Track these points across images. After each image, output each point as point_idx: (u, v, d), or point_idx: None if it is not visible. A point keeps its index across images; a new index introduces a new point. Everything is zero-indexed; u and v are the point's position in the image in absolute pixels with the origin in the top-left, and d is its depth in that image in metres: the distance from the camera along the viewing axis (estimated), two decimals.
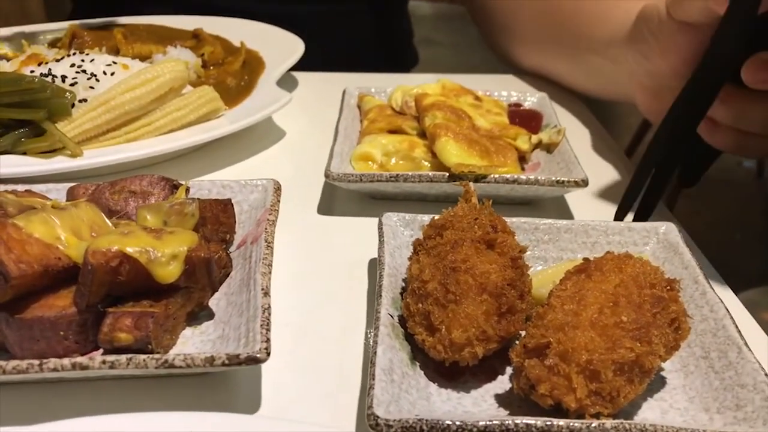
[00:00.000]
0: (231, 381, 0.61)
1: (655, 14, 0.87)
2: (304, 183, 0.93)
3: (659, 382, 0.58)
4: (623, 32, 0.97)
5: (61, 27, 1.28)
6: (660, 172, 0.81)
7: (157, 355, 0.54)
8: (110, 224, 0.64)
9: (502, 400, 0.57)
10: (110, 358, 0.54)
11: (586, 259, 0.60)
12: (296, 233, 0.82)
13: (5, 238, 0.55)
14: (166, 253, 0.59)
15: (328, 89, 1.22)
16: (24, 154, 0.86)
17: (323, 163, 0.99)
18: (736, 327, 0.59)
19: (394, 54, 1.80)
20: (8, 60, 1.05)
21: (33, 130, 0.87)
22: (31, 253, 0.56)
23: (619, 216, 0.82)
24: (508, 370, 0.60)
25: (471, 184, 0.71)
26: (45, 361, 0.53)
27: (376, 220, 0.83)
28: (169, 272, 0.58)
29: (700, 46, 0.77)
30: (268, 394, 0.60)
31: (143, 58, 1.12)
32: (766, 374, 0.54)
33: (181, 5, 1.37)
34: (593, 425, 0.49)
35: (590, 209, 0.89)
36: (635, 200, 0.81)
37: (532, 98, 1.06)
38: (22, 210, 0.65)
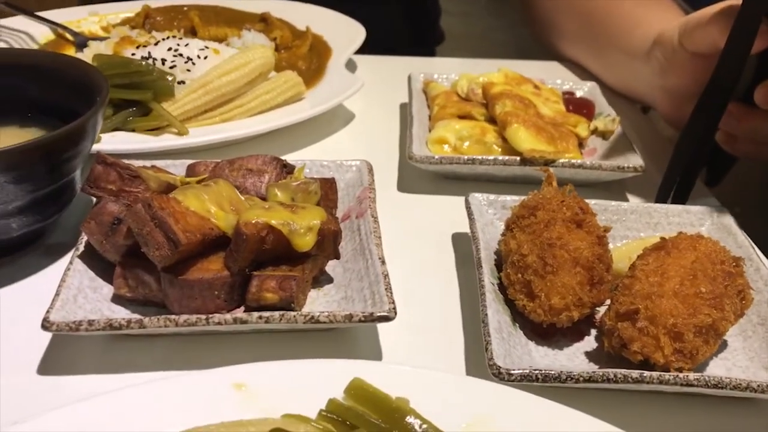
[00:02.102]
0: (351, 337, 0.70)
1: (669, 42, 0.99)
2: (378, 163, 1.02)
3: (722, 345, 0.68)
4: (645, 48, 1.07)
5: (128, 8, 1.36)
6: (688, 170, 0.89)
7: (304, 312, 0.64)
8: (242, 199, 0.73)
9: (590, 356, 0.67)
10: (265, 313, 0.63)
11: (663, 238, 0.69)
12: (382, 209, 0.91)
13: (171, 211, 0.64)
14: (303, 225, 0.68)
15: (383, 71, 1.31)
16: (132, 131, 0.95)
17: (391, 144, 1.09)
18: None
19: (423, 32, 1.88)
20: (101, 40, 1.13)
21: (140, 109, 0.95)
22: (192, 223, 0.65)
23: (660, 196, 0.91)
24: (593, 332, 0.70)
25: (550, 169, 0.80)
26: (211, 316, 0.63)
27: (450, 197, 0.93)
28: (305, 242, 0.68)
29: (707, 71, 0.87)
30: (386, 348, 0.69)
31: (219, 41, 1.20)
32: None
33: None
34: (680, 377, 0.59)
35: (640, 192, 0.98)
36: (670, 191, 0.90)
37: (583, 87, 1.15)
38: (161, 185, 0.74)
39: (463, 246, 0.85)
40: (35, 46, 1.24)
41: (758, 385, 0.58)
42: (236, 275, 0.67)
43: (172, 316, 0.62)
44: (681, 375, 0.59)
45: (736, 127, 0.90)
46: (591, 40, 1.28)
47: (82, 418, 0.52)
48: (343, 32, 1.29)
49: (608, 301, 0.68)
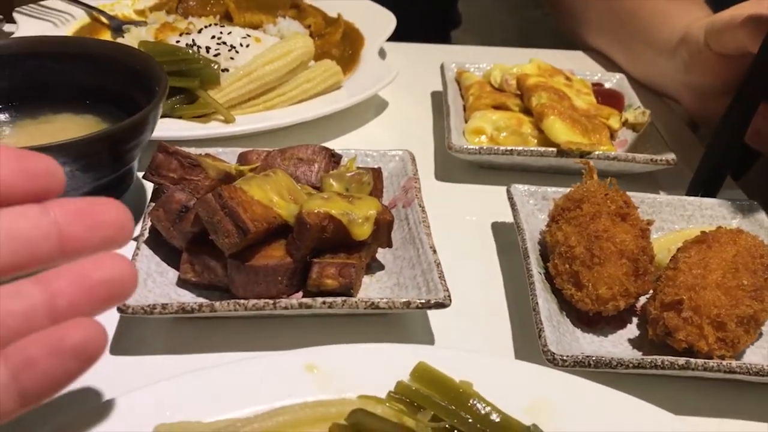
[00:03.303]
0: (405, 322, 0.74)
1: (695, 42, 1.01)
2: (414, 151, 1.05)
3: (759, 333, 0.72)
4: (671, 44, 1.10)
5: None
6: (719, 167, 0.92)
7: (365, 298, 0.67)
8: (299, 188, 0.76)
9: (634, 343, 0.71)
10: (329, 299, 0.66)
11: (703, 232, 0.72)
12: (423, 198, 0.94)
13: (239, 201, 0.67)
14: (360, 215, 0.71)
15: (413, 59, 1.33)
16: (179, 117, 0.97)
17: (425, 132, 1.12)
18: None
19: (443, 15, 1.90)
20: (137, 25, 1.15)
21: (187, 96, 0.98)
22: (258, 212, 0.68)
23: (692, 190, 0.94)
24: (634, 320, 0.73)
25: (591, 162, 0.83)
26: (278, 300, 0.66)
27: (488, 187, 0.97)
28: (363, 231, 0.71)
29: (734, 71, 0.90)
30: (437, 333, 0.73)
31: (254, 27, 1.22)
32: None
33: None
34: (723, 364, 0.62)
35: (670, 183, 1.02)
36: (702, 185, 0.93)
37: (612, 79, 1.18)
38: (219, 173, 0.77)
39: (504, 235, 0.88)
40: (72, 29, 1.25)
41: None
42: (298, 262, 0.70)
43: (242, 301, 0.66)
44: (724, 362, 0.63)
45: (763, 124, 0.93)
46: (617, 33, 1.31)
47: (168, 397, 0.56)
48: (374, 20, 1.31)
49: (651, 291, 0.72)
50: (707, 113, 1.07)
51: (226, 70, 1.02)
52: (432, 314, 0.75)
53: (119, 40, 1.15)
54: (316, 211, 0.69)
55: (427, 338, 0.72)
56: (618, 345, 0.70)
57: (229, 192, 0.67)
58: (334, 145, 1.06)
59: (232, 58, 1.03)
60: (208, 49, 1.03)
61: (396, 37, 1.31)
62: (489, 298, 0.78)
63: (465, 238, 0.88)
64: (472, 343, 0.72)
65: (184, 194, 0.71)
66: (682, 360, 0.62)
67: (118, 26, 1.25)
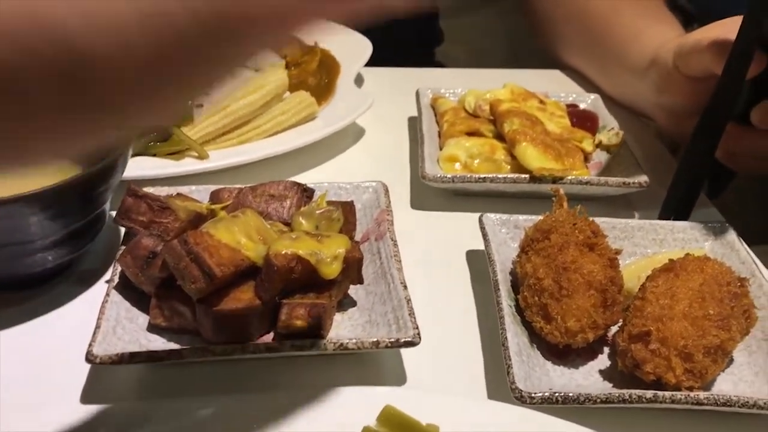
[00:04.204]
0: (377, 359, 0.74)
1: (664, 64, 1.02)
2: (390, 180, 1.05)
3: (729, 360, 0.72)
4: (642, 65, 1.11)
5: None
6: (690, 189, 0.92)
7: (333, 339, 0.67)
8: (269, 227, 0.76)
9: (604, 374, 0.71)
10: (297, 341, 0.67)
11: (671, 260, 0.73)
12: (397, 227, 0.94)
13: (206, 246, 0.68)
14: (329, 254, 0.71)
15: (389, 84, 1.34)
16: (153, 155, 0.98)
17: (401, 161, 1.12)
18: None
19: (422, 33, 1.91)
20: None
21: (160, 134, 0.98)
22: (225, 256, 0.69)
23: (663, 213, 0.94)
24: (605, 350, 0.74)
25: (561, 189, 0.83)
26: (246, 345, 0.66)
27: (462, 214, 0.97)
28: (332, 270, 0.71)
29: (703, 92, 0.90)
30: (409, 369, 0.73)
31: None
32: None
33: None
34: (690, 396, 0.62)
35: (645, 204, 1.02)
36: (674, 208, 0.93)
37: (587, 99, 1.18)
38: (189, 215, 0.77)
39: (477, 263, 0.88)
40: None
41: (764, 402, 0.62)
42: (267, 303, 0.70)
43: (210, 347, 0.66)
44: (692, 394, 0.63)
45: (735, 145, 0.94)
46: (592, 52, 1.32)
47: None
48: (350, 47, 1.31)
49: (620, 321, 0.72)
50: (682, 132, 1.08)
51: (201, 105, 1.02)
52: (405, 351, 0.75)
53: None
54: (283, 252, 0.69)
55: (400, 377, 0.72)
56: (589, 377, 0.70)
57: (194, 237, 0.67)
58: (311, 176, 1.06)
59: (206, 93, 1.03)
60: None
61: (379, 58, 1.32)
62: (463, 332, 0.78)
63: (440, 268, 0.88)
64: (445, 381, 0.72)
65: (152, 240, 0.72)
66: (649, 393, 0.63)
67: None
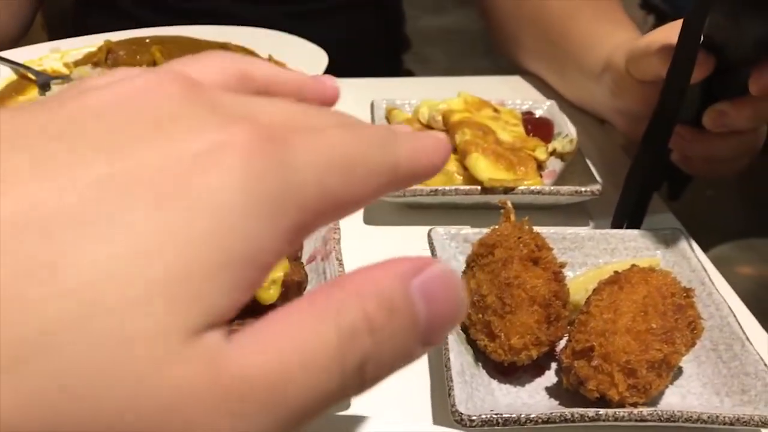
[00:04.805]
0: None
1: (617, 68, 1.02)
2: None
3: (677, 371, 0.71)
4: (597, 69, 1.10)
5: (90, 42, 1.36)
6: (641, 197, 0.92)
7: None
8: None
9: (551, 392, 0.69)
10: None
11: (616, 272, 0.72)
12: (349, 244, 0.93)
13: None
14: (266, 279, 0.69)
15: (347, 95, 1.32)
16: None
17: None
18: (738, 323, 0.72)
19: (390, 38, 1.90)
20: (63, 79, 1.13)
21: None
22: None
23: (615, 222, 0.93)
24: (553, 366, 0.72)
25: (509, 202, 0.82)
26: None
27: (416, 227, 0.95)
28: (270, 295, 0.69)
29: (655, 96, 0.89)
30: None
31: None
32: (765, 364, 0.66)
33: (160, 9, 1.45)
34: (634, 413, 0.61)
35: (601, 210, 1.01)
36: (625, 217, 0.92)
37: (543, 106, 1.17)
38: None
39: None
40: None
41: (708, 416, 0.61)
42: None
43: None
44: (635, 411, 0.61)
45: (689, 148, 0.93)
46: (549, 57, 1.31)
47: None
48: (306, 58, 1.30)
49: (566, 336, 0.70)
50: (639, 134, 1.07)
51: None
52: None
53: (41, 98, 1.13)
54: None
55: (342, 403, 0.70)
56: (535, 395, 0.69)
57: None
58: None
59: None
60: None
61: (341, 68, 1.30)
62: None
63: None
64: (390, 406, 0.70)
65: None
66: (591, 412, 0.61)
67: (45, 82, 1.24)
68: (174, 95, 0.26)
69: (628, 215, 0.90)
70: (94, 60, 1.28)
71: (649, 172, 0.89)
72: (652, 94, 0.95)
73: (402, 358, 0.28)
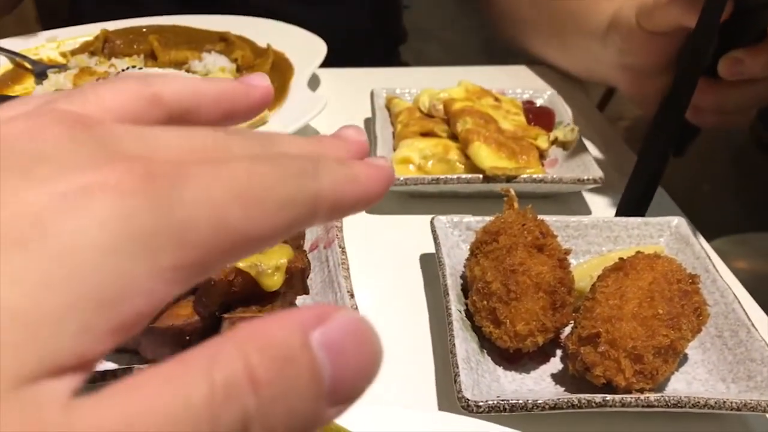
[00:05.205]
0: None
1: (626, 24, 1.00)
2: None
3: (683, 358, 0.71)
4: (602, 29, 1.09)
5: (86, 31, 1.35)
6: (648, 184, 0.91)
7: None
8: None
9: (557, 378, 0.69)
10: None
11: (621, 259, 0.71)
12: (351, 233, 0.92)
13: None
14: (270, 266, 0.69)
15: (346, 84, 1.32)
16: None
17: None
18: (744, 310, 0.72)
19: (387, 29, 1.89)
20: (60, 68, 1.12)
21: None
22: None
23: (621, 210, 0.93)
24: (558, 352, 0.72)
25: (512, 190, 0.82)
26: None
27: (418, 217, 0.95)
28: (274, 282, 0.69)
29: (670, 49, 0.89)
30: None
31: (179, 64, 1.20)
32: None
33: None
34: (641, 398, 0.61)
35: (602, 199, 1.01)
36: (632, 205, 0.92)
37: (543, 95, 1.17)
38: None
39: (431, 267, 0.86)
40: None
41: (715, 402, 0.61)
42: (206, 319, 0.68)
43: (149, 366, 0.63)
44: (642, 396, 0.61)
45: (702, 99, 0.92)
46: (550, 27, 1.30)
47: None
48: (305, 48, 1.29)
49: (571, 323, 0.70)
50: (645, 95, 1.06)
51: None
52: None
53: (38, 87, 1.12)
54: None
55: None
56: (540, 381, 0.69)
57: None
58: None
59: None
60: None
61: (340, 59, 1.30)
62: (414, 340, 0.76)
63: (393, 273, 0.86)
64: (395, 392, 0.70)
65: None
66: (598, 397, 0.61)
67: (42, 71, 1.22)
68: (54, 136, 0.25)
69: (646, 181, 0.88)
70: (90, 49, 1.27)
71: (672, 132, 0.87)
72: (662, 47, 0.94)
73: (302, 421, 0.23)
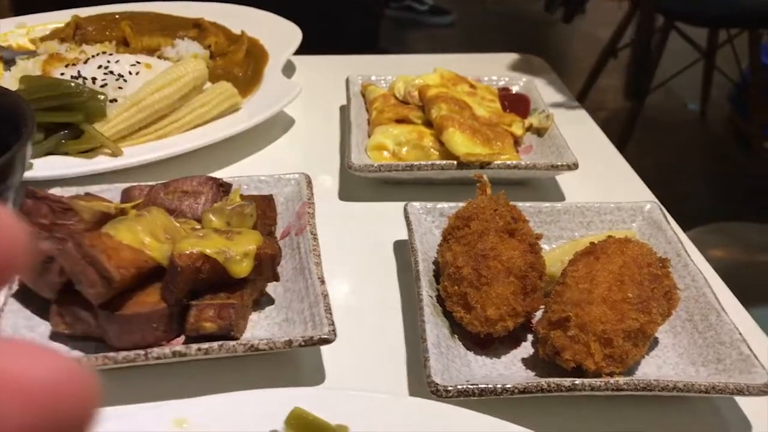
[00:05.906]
0: (294, 359, 0.71)
1: None
2: (319, 171, 1.02)
3: (653, 342, 0.71)
4: None
5: (57, 18, 1.33)
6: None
7: (243, 340, 0.64)
8: (178, 225, 0.72)
9: (527, 363, 0.69)
10: (204, 345, 0.63)
11: (592, 243, 0.71)
12: (324, 220, 0.92)
13: (103, 248, 0.64)
14: (239, 252, 0.68)
15: (322, 71, 1.31)
16: (66, 154, 0.93)
17: (331, 151, 1.09)
18: (714, 294, 0.72)
19: (366, 16, 1.88)
20: (29, 54, 1.10)
21: (72, 132, 0.94)
22: (126, 258, 0.65)
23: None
24: (529, 337, 0.72)
25: (484, 176, 0.81)
26: (149, 351, 0.63)
27: (392, 204, 0.94)
28: (242, 268, 0.68)
29: None
30: (329, 368, 0.70)
31: (152, 51, 1.18)
32: (740, 334, 0.66)
33: None
34: (610, 382, 0.61)
35: (577, 186, 1.01)
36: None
37: (519, 82, 1.16)
38: (95, 216, 0.73)
39: (404, 253, 0.86)
40: None
41: (684, 385, 0.61)
42: (173, 306, 0.67)
43: (111, 354, 0.62)
44: (611, 380, 0.61)
45: None
46: None
47: None
48: (279, 35, 1.28)
49: (542, 308, 0.70)
50: None
51: (115, 100, 0.98)
52: (325, 349, 0.72)
53: (6, 73, 1.10)
54: (188, 251, 0.66)
55: (318, 375, 0.69)
56: (511, 366, 0.68)
57: (90, 240, 0.64)
58: (238, 168, 1.03)
59: (120, 88, 0.99)
60: (94, 80, 0.98)
61: (317, 46, 1.28)
62: (386, 327, 0.76)
63: (366, 261, 0.86)
64: (366, 378, 0.70)
65: (48, 243, 0.67)
66: (567, 381, 0.61)
67: (11, 58, 1.20)
68: None
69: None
70: (61, 36, 1.25)
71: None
72: None
73: None
